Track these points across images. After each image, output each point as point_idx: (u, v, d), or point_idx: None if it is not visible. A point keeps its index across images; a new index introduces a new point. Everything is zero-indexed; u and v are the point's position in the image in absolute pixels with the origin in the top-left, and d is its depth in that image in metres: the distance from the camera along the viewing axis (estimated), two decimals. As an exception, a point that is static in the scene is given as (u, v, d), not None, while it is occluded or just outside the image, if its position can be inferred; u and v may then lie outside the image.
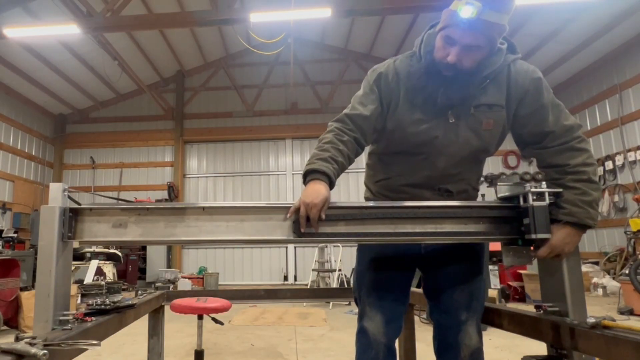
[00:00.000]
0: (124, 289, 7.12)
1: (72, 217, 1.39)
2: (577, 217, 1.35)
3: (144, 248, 9.83)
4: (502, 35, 1.39)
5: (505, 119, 1.48)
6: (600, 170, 8.72)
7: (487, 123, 1.46)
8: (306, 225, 1.35)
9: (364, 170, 1.80)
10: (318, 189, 1.34)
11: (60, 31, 7.05)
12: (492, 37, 1.35)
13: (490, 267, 6.00)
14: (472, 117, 1.46)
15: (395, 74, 1.52)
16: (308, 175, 1.41)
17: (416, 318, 3.70)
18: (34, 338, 1.03)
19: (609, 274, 7.42)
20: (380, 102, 1.53)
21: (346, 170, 1.54)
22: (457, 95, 1.42)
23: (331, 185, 1.40)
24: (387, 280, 1.57)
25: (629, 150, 8.09)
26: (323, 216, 1.33)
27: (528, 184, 1.40)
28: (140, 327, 2.34)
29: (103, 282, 6.07)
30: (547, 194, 1.40)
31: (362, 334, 1.53)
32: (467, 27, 1.31)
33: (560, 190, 1.40)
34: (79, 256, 7.49)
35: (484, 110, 1.45)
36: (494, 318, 1.63)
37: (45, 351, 0.94)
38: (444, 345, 1.54)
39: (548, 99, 1.45)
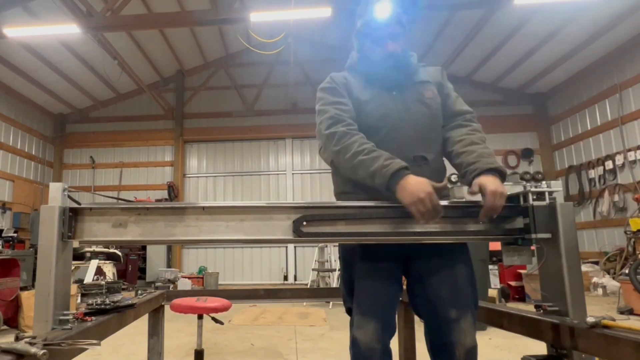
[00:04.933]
0: (124, 289, 7.11)
1: (72, 216, 1.39)
2: (479, 167, 1.46)
3: (144, 248, 9.82)
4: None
5: (438, 93, 1.73)
6: (600, 170, 8.76)
7: (427, 92, 1.68)
8: (431, 216, 1.37)
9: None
10: (416, 181, 1.39)
11: (60, 31, 7.05)
12: (402, 18, 1.64)
13: (490, 267, 6.00)
14: (414, 91, 1.68)
15: (342, 76, 1.76)
16: (394, 176, 1.40)
17: (416, 317, 3.70)
18: (33, 338, 1.03)
19: (608, 273, 7.42)
20: (343, 92, 1.70)
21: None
22: (403, 73, 1.68)
23: None
24: (375, 287, 1.53)
25: (629, 150, 8.09)
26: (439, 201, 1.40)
27: (528, 184, 1.40)
28: (140, 327, 2.34)
29: (103, 282, 6.06)
30: (547, 194, 1.40)
31: (354, 345, 1.50)
32: (388, 22, 1.63)
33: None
34: (79, 256, 7.48)
35: (421, 85, 1.70)
36: (494, 318, 1.63)
37: (45, 351, 0.94)
38: (438, 345, 1.51)
39: (451, 86, 1.77)
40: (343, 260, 1.71)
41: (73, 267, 6.53)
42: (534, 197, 1.41)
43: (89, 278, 6.49)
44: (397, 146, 1.57)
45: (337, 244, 1.92)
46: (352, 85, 1.71)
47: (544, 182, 1.40)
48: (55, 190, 1.38)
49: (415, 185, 1.37)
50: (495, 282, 6.25)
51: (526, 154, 10.51)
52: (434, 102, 1.68)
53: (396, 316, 1.57)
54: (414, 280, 1.60)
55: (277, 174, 11.35)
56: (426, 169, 1.57)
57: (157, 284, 8.23)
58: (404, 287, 1.73)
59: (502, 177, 1.45)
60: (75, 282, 6.16)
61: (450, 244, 1.55)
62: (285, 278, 10.70)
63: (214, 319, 2.68)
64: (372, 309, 1.50)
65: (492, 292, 5.53)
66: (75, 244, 1.42)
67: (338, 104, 1.65)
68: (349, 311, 1.65)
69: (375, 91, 1.68)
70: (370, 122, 1.64)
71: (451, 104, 1.73)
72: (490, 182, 1.40)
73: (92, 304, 1.49)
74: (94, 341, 1.12)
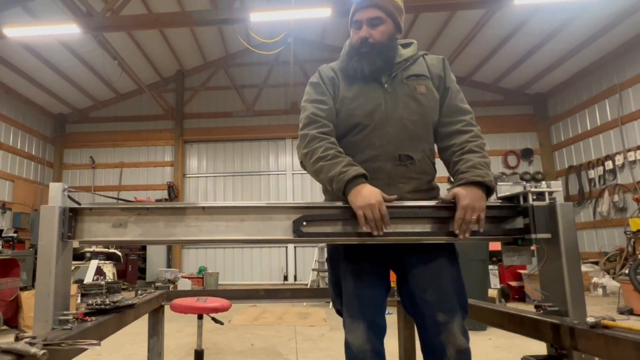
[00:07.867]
0: (124, 289, 7.12)
1: (72, 216, 1.39)
2: (466, 177, 1.45)
3: (144, 248, 9.82)
4: (400, 12, 1.65)
5: (433, 87, 1.66)
6: (600, 170, 8.76)
7: (419, 88, 1.62)
8: (378, 225, 1.38)
9: None
10: (370, 190, 1.40)
11: (60, 31, 7.04)
12: (389, 10, 1.60)
13: (490, 267, 6.01)
14: (406, 86, 1.62)
15: (331, 68, 1.74)
16: (350, 182, 1.42)
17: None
18: (33, 338, 1.03)
19: (608, 273, 7.42)
20: (327, 90, 1.67)
21: None
22: (380, 60, 1.60)
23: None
24: (361, 289, 1.51)
25: (629, 150, 8.09)
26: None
27: (528, 184, 1.40)
28: (140, 327, 2.34)
29: (103, 282, 6.06)
30: (547, 194, 1.40)
31: (347, 348, 1.49)
32: (364, 5, 1.59)
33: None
34: (79, 256, 7.49)
35: (414, 79, 1.64)
36: (494, 318, 1.63)
37: (44, 351, 0.94)
38: (429, 347, 1.48)
39: (453, 79, 1.70)
40: (330, 263, 1.71)
41: (73, 267, 6.53)
42: (534, 197, 1.41)
43: (89, 278, 6.49)
44: (381, 144, 1.56)
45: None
46: (340, 79, 1.68)
47: (543, 182, 1.41)
48: (55, 190, 1.38)
49: (369, 192, 1.39)
50: (495, 282, 6.26)
51: (526, 154, 10.50)
52: (426, 98, 1.61)
53: (385, 316, 1.55)
54: (400, 281, 1.59)
55: (277, 174, 11.34)
56: (412, 169, 1.56)
57: (157, 284, 8.22)
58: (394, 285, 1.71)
59: (489, 191, 1.44)
60: (75, 282, 6.17)
61: (437, 245, 1.51)
62: (285, 278, 10.70)
63: (214, 319, 2.68)
64: (360, 312, 1.48)
65: (492, 292, 5.52)
66: (75, 244, 1.42)
67: (318, 102, 1.63)
68: (338, 312, 1.66)
69: (363, 86, 1.63)
70: (354, 120, 1.60)
71: (452, 100, 1.65)
72: (466, 195, 1.41)
73: (92, 304, 1.49)
74: (94, 341, 1.12)
